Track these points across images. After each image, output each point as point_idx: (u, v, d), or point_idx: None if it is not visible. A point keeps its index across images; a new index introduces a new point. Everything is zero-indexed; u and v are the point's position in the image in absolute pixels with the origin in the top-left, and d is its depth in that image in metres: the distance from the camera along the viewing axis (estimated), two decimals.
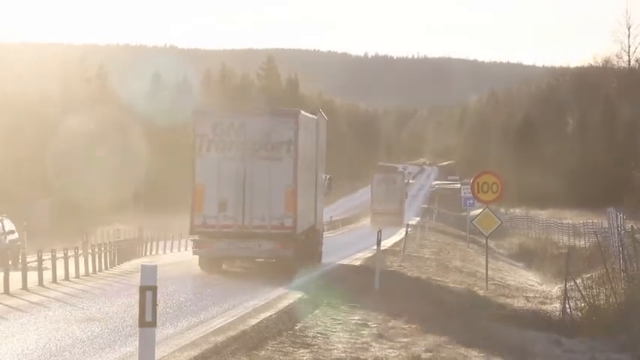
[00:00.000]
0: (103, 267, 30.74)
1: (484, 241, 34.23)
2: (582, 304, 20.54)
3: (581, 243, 48.05)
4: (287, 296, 20.89)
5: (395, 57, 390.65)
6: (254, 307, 18.66)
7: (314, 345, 14.18)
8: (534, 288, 32.38)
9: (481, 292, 26.17)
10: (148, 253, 41.91)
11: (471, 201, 47.82)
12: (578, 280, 22.45)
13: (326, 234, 39.69)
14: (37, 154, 66.22)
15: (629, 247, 22.10)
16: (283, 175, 26.20)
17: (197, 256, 27.34)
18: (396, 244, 45.86)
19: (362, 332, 15.77)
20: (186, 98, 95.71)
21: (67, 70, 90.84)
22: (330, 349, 13.89)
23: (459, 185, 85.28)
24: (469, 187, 34.52)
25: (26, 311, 18.33)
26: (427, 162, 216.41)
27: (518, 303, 24.29)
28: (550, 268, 38.32)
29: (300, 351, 13.61)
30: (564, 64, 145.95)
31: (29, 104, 72.01)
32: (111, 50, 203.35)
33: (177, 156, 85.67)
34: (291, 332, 15.22)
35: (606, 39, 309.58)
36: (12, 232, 33.68)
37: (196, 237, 26.71)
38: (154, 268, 9.03)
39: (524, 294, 27.43)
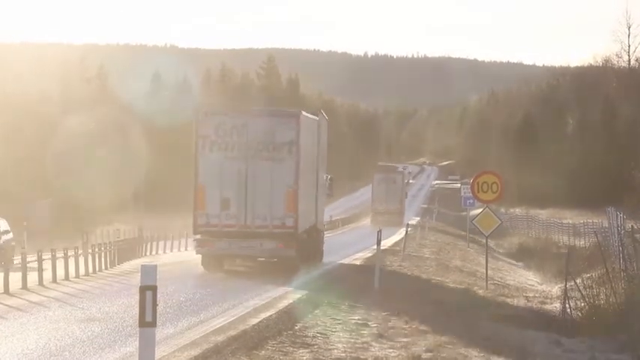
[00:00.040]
0: (103, 267, 30.74)
1: (484, 241, 34.22)
2: (582, 304, 20.53)
3: (581, 243, 48.04)
4: (287, 296, 20.90)
5: (395, 57, 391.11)
6: (254, 307, 18.67)
7: (314, 345, 14.19)
8: (534, 288, 32.37)
9: (481, 292, 26.15)
10: (147, 253, 41.90)
11: (471, 201, 47.83)
12: (578, 280, 22.43)
13: (326, 233, 39.73)
14: (37, 154, 66.17)
15: (629, 246, 22.09)
16: (285, 175, 26.45)
17: (197, 256, 27.65)
18: (396, 243, 45.87)
19: (362, 332, 15.77)
20: (186, 98, 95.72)
21: (67, 70, 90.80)
22: (330, 349, 13.89)
23: (459, 185, 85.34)
24: (469, 186, 34.52)
25: (26, 311, 18.33)
26: (427, 162, 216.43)
27: (518, 303, 24.28)
28: (550, 268, 38.31)
29: (300, 351, 13.61)
30: (564, 64, 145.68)
31: (29, 104, 71.97)
32: (111, 50, 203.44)
33: (177, 156, 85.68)
34: (291, 332, 15.22)
35: (606, 39, 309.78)
36: (7, 232, 33.62)
37: (199, 236, 26.92)
38: (154, 268, 9.04)
39: (524, 294, 27.42)
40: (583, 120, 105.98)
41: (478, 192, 27.41)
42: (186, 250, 45.82)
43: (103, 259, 31.08)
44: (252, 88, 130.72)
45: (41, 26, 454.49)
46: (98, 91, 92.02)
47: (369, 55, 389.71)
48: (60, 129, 70.40)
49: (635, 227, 22.52)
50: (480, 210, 29.95)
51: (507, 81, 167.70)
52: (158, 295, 8.99)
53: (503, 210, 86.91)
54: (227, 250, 26.93)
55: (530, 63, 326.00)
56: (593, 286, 21.36)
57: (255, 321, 16.43)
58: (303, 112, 28.03)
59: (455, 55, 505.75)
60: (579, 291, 21.13)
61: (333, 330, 15.81)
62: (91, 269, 29.10)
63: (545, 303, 24.65)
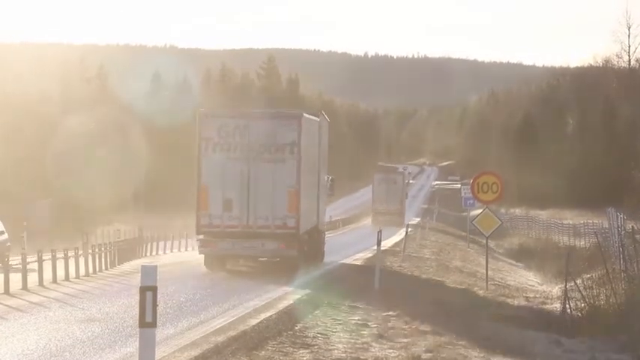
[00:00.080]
0: (103, 267, 30.73)
1: (484, 241, 34.23)
2: (582, 305, 20.54)
3: (581, 243, 48.05)
4: (287, 296, 20.90)
5: (395, 57, 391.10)
6: (254, 308, 18.67)
7: (314, 345, 14.19)
8: (534, 288, 32.38)
9: (481, 293, 26.17)
10: (148, 254, 41.89)
11: (471, 201, 47.81)
12: (579, 281, 22.45)
13: (327, 234, 39.76)
14: (37, 154, 66.16)
15: (629, 247, 22.10)
16: (286, 176, 26.70)
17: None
18: (397, 244, 45.86)
19: (362, 332, 15.77)
20: (186, 98, 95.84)
21: (67, 70, 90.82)
22: (330, 350, 13.89)
23: (459, 185, 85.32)
24: (469, 187, 34.52)
25: (26, 311, 18.32)
26: (427, 162, 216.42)
27: (519, 303, 24.29)
28: (550, 269, 38.32)
29: (300, 351, 13.61)
30: (564, 64, 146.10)
31: (29, 104, 71.96)
32: (111, 50, 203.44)
33: (178, 156, 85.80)
34: (292, 332, 15.22)
35: (606, 39, 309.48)
36: (1, 232, 33.59)
37: (202, 236, 27.22)
38: (154, 269, 9.03)
39: (524, 294, 27.42)
40: (583, 120, 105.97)
41: (478, 192, 27.43)
42: (186, 250, 45.83)
43: (103, 260, 31.07)
44: (252, 88, 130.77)
45: (41, 26, 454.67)
46: (98, 91, 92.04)
47: (369, 55, 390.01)
48: (60, 129, 70.40)
49: (636, 228, 22.54)
50: (480, 210, 29.95)
51: (507, 81, 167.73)
52: (158, 296, 8.99)
53: (503, 210, 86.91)
54: (230, 251, 27.19)
55: (530, 63, 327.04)
56: (594, 286, 21.38)
57: (255, 321, 16.43)
58: (305, 114, 28.23)
59: (455, 55, 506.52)
60: (579, 291, 21.14)
61: (334, 330, 15.81)
62: (91, 270, 29.09)
63: (545, 303, 24.66)
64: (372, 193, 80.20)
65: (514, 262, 49.96)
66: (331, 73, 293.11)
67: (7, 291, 21.92)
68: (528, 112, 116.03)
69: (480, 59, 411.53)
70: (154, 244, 43.94)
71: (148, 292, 8.91)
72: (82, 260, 28.29)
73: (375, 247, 25.67)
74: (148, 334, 9.01)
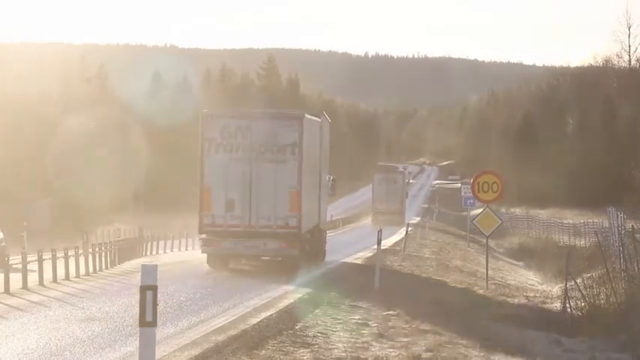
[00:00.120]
0: (104, 267, 30.75)
1: (484, 241, 34.23)
2: (582, 304, 20.54)
3: (581, 242, 48.04)
4: (288, 295, 20.90)
5: (395, 57, 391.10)
6: (254, 307, 18.66)
7: (314, 344, 14.18)
8: (534, 287, 32.38)
9: (481, 292, 26.17)
10: (148, 253, 41.90)
11: (472, 200, 47.82)
12: (579, 280, 22.44)
13: (327, 233, 39.79)
14: (37, 154, 66.20)
15: (629, 246, 22.10)
16: (288, 176, 26.96)
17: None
18: (397, 243, 45.86)
19: (362, 332, 15.77)
20: (186, 98, 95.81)
21: (67, 70, 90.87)
22: (330, 349, 13.89)
23: (460, 185, 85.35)
24: (469, 186, 34.51)
25: (27, 311, 18.33)
26: (427, 162, 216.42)
27: (519, 302, 24.28)
28: (550, 268, 38.32)
29: (301, 350, 13.61)
30: (564, 64, 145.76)
31: (29, 104, 72.00)
32: (111, 50, 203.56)
33: (178, 156, 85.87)
34: (292, 332, 15.21)
35: (606, 39, 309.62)
36: None
37: (205, 236, 27.50)
38: (155, 268, 9.03)
39: (524, 293, 27.43)
40: (583, 120, 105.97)
41: (478, 192, 27.43)
42: (186, 249, 45.85)
43: (103, 259, 31.09)
44: (252, 88, 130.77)
45: (41, 26, 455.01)
46: (98, 91, 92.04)
47: (369, 55, 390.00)
48: (60, 129, 70.43)
49: (636, 227, 22.54)
50: (481, 210, 29.95)
51: (507, 81, 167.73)
52: (158, 295, 8.99)
53: (503, 210, 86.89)
54: (232, 250, 27.45)
55: (530, 63, 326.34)
56: (594, 285, 21.37)
57: (255, 320, 16.42)
58: (306, 115, 28.49)
59: (455, 55, 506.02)
60: (579, 291, 21.14)
61: (334, 330, 15.81)
62: (91, 269, 29.11)
63: (545, 303, 24.66)
64: (372, 192, 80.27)
65: (514, 262, 49.96)
66: (331, 73, 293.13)
67: (7, 290, 21.93)
68: (528, 112, 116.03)
69: (480, 59, 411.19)
70: (154, 243, 43.95)
71: (148, 291, 8.91)
72: (82, 260, 28.32)
73: (375, 247, 25.69)
74: (148, 334, 9.01)
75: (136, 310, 9.08)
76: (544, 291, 29.78)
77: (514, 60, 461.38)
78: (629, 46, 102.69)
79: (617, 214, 26.02)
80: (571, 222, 61.94)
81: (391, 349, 14.18)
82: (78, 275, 26.91)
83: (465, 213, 67.08)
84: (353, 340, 14.85)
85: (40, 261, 24.59)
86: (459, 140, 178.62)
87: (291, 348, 13.75)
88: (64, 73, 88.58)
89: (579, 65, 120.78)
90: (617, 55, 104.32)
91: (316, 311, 18.02)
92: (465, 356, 14.11)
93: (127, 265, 33.03)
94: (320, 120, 31.05)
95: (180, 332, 15.15)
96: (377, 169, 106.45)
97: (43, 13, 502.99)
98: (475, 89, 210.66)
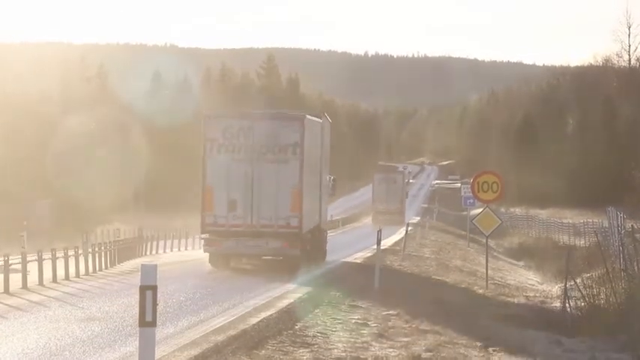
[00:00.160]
0: (103, 266, 30.76)
1: (484, 241, 34.21)
2: (582, 304, 20.53)
3: (581, 242, 48.04)
4: (288, 295, 20.91)
5: (395, 57, 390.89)
6: (254, 306, 18.66)
7: (314, 344, 14.18)
8: (534, 287, 32.37)
9: (481, 292, 26.17)
10: (148, 253, 41.90)
11: (471, 200, 47.81)
12: (579, 280, 22.44)
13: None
14: (37, 154, 66.24)
15: (629, 246, 22.09)
16: (289, 176, 27.20)
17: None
18: (397, 243, 45.85)
19: (362, 332, 15.76)
20: (186, 98, 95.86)
21: (67, 70, 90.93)
22: (330, 349, 13.88)
23: (459, 184, 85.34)
24: (469, 186, 34.50)
25: (26, 310, 18.33)
26: (427, 161, 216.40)
27: (519, 302, 24.28)
28: (550, 268, 38.32)
29: (301, 350, 13.60)
30: (564, 64, 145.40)
31: (29, 104, 72.04)
32: (111, 49, 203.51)
33: (177, 156, 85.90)
34: (292, 331, 15.21)
35: (606, 38, 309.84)
36: None
37: (207, 235, 27.72)
38: (154, 268, 9.02)
39: (524, 293, 27.43)
40: (583, 120, 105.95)
41: (478, 192, 27.43)
42: (186, 249, 45.85)
43: (103, 259, 31.10)
44: (252, 87, 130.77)
45: (41, 26, 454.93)
46: (98, 91, 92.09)
47: (369, 55, 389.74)
48: (60, 129, 70.48)
49: (636, 227, 22.53)
50: (480, 210, 29.95)
51: (507, 81, 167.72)
52: (158, 295, 8.98)
53: (503, 210, 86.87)
54: (234, 249, 27.69)
55: (530, 63, 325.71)
56: (594, 285, 21.35)
57: (255, 320, 16.42)
58: (308, 115, 28.73)
59: (455, 55, 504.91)
60: (579, 291, 21.13)
61: (334, 329, 15.80)
62: (91, 269, 29.12)
63: (545, 302, 24.66)
64: (372, 192, 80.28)
65: (514, 262, 49.95)
66: (331, 73, 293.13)
67: (7, 290, 21.93)
68: (528, 112, 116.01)
69: (480, 59, 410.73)
70: (154, 243, 43.95)
71: (148, 291, 8.91)
72: (82, 259, 28.32)
73: (375, 246, 25.71)
74: (147, 334, 9.00)
75: (136, 310, 9.08)
76: (544, 291, 29.78)
77: (514, 60, 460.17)
78: (629, 46, 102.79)
79: (617, 214, 26.03)
80: (571, 222, 61.94)
81: (391, 349, 14.18)
82: (78, 275, 26.92)
83: (464, 213, 67.04)
84: (353, 340, 14.84)
85: (40, 261, 24.59)
86: (459, 140, 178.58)
87: (291, 348, 13.74)
88: (64, 73, 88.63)
89: (579, 65, 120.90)
90: (617, 54, 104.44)
91: (316, 311, 18.02)
92: (465, 356, 14.11)
93: (127, 265, 33.02)
94: (321, 121, 31.32)
95: (180, 332, 15.15)
96: (377, 169, 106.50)
97: (43, 13, 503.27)
98: (475, 89, 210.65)
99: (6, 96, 71.06)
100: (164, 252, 43.68)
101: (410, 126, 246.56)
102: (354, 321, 16.95)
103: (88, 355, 13.16)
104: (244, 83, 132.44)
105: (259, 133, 27.23)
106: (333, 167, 36.66)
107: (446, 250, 46.60)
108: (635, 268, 20.86)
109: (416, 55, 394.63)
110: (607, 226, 33.67)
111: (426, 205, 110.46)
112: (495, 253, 51.22)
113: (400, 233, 51.78)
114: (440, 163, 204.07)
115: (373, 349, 14.07)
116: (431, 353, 13.97)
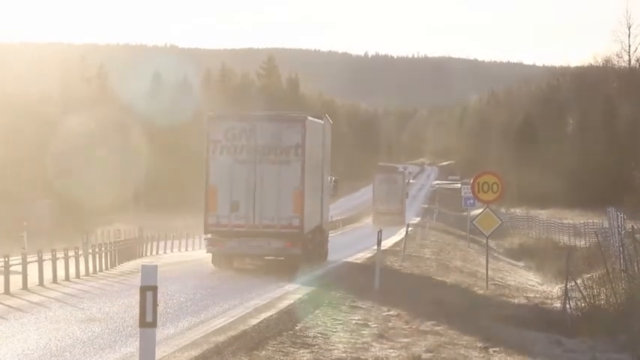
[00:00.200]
0: (104, 267, 30.75)
1: (484, 241, 34.23)
2: (583, 304, 20.53)
3: (581, 243, 48.05)
4: (288, 296, 20.92)
5: (395, 57, 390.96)
6: (255, 307, 18.67)
7: (314, 345, 14.18)
8: (535, 288, 32.38)
9: (481, 292, 26.17)
10: (148, 253, 41.87)
11: (472, 201, 47.80)
12: (579, 280, 22.44)
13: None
14: (37, 154, 66.25)
15: (629, 247, 22.10)
16: (291, 177, 27.53)
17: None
18: (397, 243, 45.84)
19: (362, 332, 15.76)
20: (186, 98, 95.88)
21: (67, 70, 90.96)
22: (330, 349, 13.88)
23: (460, 185, 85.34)
24: (469, 186, 34.50)
25: (27, 311, 18.33)
26: (427, 162, 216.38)
27: (519, 303, 24.28)
28: (550, 268, 38.32)
29: (301, 351, 13.60)
30: (564, 64, 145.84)
31: (29, 104, 72.04)
32: (111, 50, 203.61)
33: (178, 156, 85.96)
34: (292, 332, 15.21)
35: (606, 39, 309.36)
36: None
37: (210, 236, 28.04)
38: (155, 268, 9.02)
39: (524, 294, 27.42)
40: (583, 120, 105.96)
41: (478, 192, 27.43)
42: (187, 250, 45.83)
43: (103, 260, 31.08)
44: (252, 88, 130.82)
45: (41, 26, 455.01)
46: (98, 91, 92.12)
47: (369, 55, 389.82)
48: (60, 129, 70.47)
49: (636, 227, 22.54)
50: (481, 210, 29.94)
51: (507, 81, 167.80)
52: (159, 296, 8.98)
53: (503, 210, 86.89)
54: (237, 250, 27.95)
55: (530, 63, 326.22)
56: (594, 286, 21.37)
57: (255, 321, 16.42)
58: (309, 117, 29.01)
59: (455, 55, 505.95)
60: (580, 291, 21.13)
61: (334, 330, 15.80)
62: (91, 269, 29.12)
63: (545, 303, 24.65)
64: (372, 192, 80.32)
65: (514, 262, 49.96)
66: (331, 73, 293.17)
67: (7, 291, 21.92)
68: (528, 112, 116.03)
69: (480, 59, 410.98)
70: (154, 244, 43.93)
71: (149, 291, 8.90)
72: (82, 260, 28.32)
73: (376, 247, 25.73)
74: (148, 334, 9.00)
75: (136, 310, 9.08)
76: (544, 291, 29.78)
77: (514, 60, 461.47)
78: (629, 46, 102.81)
79: (617, 215, 26.04)
80: (571, 222, 61.96)
81: (391, 350, 14.18)
82: (78, 276, 26.91)
83: (465, 213, 67.10)
84: (353, 340, 14.84)
85: (40, 261, 24.58)
86: (459, 140, 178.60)
87: (291, 349, 13.74)
88: (64, 73, 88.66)
89: (579, 65, 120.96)
90: (617, 55, 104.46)
91: (316, 312, 18.02)
92: (465, 357, 14.11)
93: (127, 266, 33.01)
94: (322, 122, 31.58)
95: (181, 333, 15.15)
96: (377, 169, 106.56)
97: (43, 13, 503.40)
98: (475, 89, 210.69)
99: (6, 96, 71.06)
100: (164, 252, 43.65)
101: (410, 126, 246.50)
102: (354, 322, 16.95)
103: (88, 356, 13.16)
104: (244, 83, 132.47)
105: (261, 134, 27.52)
106: (333, 167, 36.72)
107: (446, 250, 46.59)
108: (636, 268, 20.87)
109: (416, 56, 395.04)
110: (607, 226, 33.66)
111: (426, 206, 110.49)
112: (495, 254, 51.22)
113: (400, 234, 51.77)
114: (440, 164, 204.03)
115: (373, 350, 14.07)
116: (431, 354, 13.97)
